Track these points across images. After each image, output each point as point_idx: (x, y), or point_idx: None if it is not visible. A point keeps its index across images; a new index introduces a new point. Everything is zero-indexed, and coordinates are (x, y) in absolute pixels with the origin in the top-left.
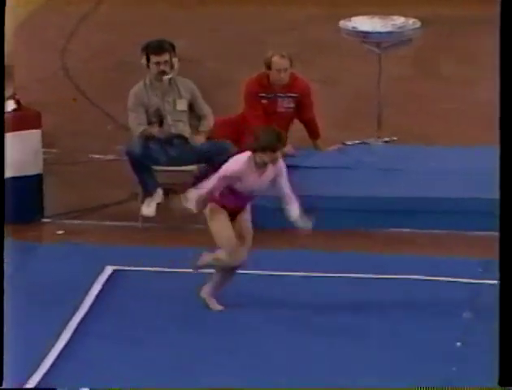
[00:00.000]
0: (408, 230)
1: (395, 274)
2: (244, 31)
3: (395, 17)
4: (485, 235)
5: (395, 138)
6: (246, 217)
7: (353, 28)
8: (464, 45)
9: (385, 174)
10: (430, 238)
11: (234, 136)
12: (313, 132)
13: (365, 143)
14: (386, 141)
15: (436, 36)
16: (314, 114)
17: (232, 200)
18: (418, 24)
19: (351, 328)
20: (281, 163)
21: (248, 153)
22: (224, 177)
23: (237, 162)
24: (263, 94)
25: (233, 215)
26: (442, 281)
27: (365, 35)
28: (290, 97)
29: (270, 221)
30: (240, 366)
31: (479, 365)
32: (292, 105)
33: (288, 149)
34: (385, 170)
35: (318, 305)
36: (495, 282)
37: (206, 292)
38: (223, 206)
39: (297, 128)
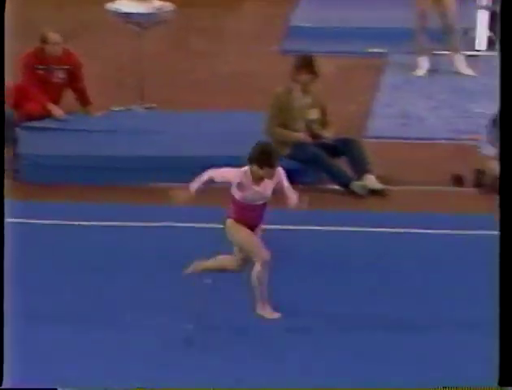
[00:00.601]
0: (164, 184)
1: (152, 222)
2: (22, 10)
3: (153, 0)
4: None
5: (154, 105)
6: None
7: (117, 9)
8: (212, 26)
9: (145, 136)
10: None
11: (13, 103)
12: (83, 100)
13: (129, 109)
14: (147, 108)
15: (188, 17)
16: (85, 84)
17: (242, 214)
18: (173, 7)
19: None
20: (280, 170)
21: (246, 167)
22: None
23: (232, 171)
24: (39, 66)
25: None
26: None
27: (127, 16)
28: (63, 69)
29: None
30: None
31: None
32: (64, 76)
33: (58, 112)
34: (145, 132)
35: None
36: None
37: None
38: (240, 221)
39: (67, 95)
